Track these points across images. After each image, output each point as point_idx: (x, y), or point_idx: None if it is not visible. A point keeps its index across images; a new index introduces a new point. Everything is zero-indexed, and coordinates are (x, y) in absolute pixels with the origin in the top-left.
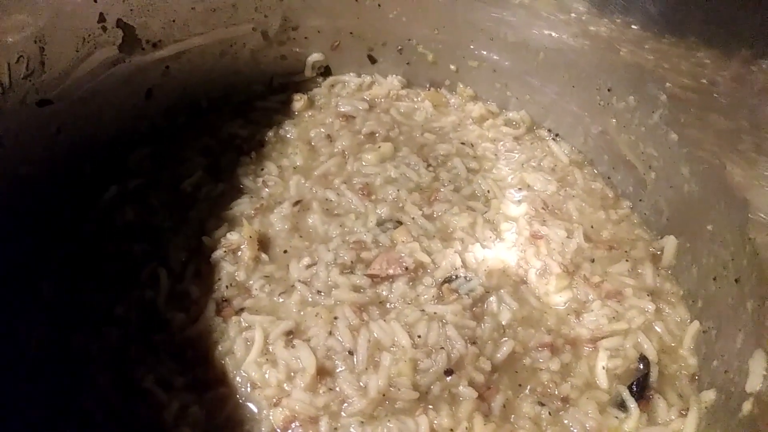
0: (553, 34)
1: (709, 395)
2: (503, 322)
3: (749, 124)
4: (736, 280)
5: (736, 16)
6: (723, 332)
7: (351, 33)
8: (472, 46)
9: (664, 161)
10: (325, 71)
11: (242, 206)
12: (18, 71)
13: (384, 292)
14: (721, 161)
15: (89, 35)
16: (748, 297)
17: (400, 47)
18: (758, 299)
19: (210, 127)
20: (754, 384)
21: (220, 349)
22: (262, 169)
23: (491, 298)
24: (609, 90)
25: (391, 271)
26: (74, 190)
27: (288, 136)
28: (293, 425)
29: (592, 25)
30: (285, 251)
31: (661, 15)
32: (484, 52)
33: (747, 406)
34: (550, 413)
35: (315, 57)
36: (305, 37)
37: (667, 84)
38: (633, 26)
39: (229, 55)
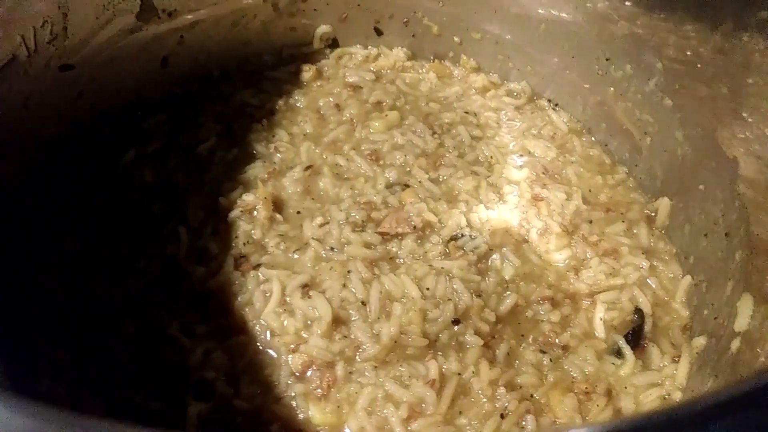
0: (553, 8)
1: (700, 341)
2: (506, 277)
3: (728, 92)
4: (726, 234)
5: None
6: (713, 284)
7: (358, 5)
8: (475, 19)
9: (659, 127)
10: (333, 43)
11: (256, 170)
12: (42, 36)
13: (394, 249)
14: (712, 123)
15: (109, 3)
16: (736, 248)
17: (405, 20)
18: (746, 249)
19: (222, 95)
20: (742, 323)
21: (239, 300)
22: (274, 136)
23: (495, 255)
24: (607, 59)
25: (400, 230)
26: (95, 152)
27: (297, 104)
28: (311, 369)
29: (589, 2)
30: (298, 212)
31: None
32: (487, 25)
33: (735, 344)
34: (551, 360)
35: (323, 29)
36: (314, 9)
37: (664, 58)
38: (626, 2)
39: (241, 26)
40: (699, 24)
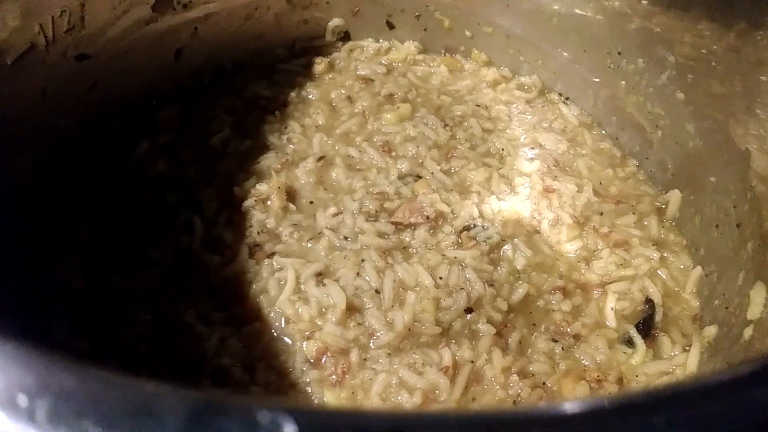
0: (566, 2)
1: (711, 330)
2: (518, 267)
3: (742, 89)
4: (737, 225)
5: None
6: (724, 274)
7: None
8: (487, 13)
9: (670, 119)
10: (345, 36)
11: (269, 160)
12: (60, 25)
13: (407, 238)
14: (725, 116)
15: None
16: (749, 238)
17: (417, 14)
18: (758, 239)
19: (235, 88)
20: (755, 312)
21: (254, 288)
22: (286, 128)
23: (506, 246)
24: (619, 53)
25: (413, 220)
26: (108, 143)
27: (310, 97)
28: (325, 356)
29: (605, 0)
30: (311, 202)
31: None
32: (499, 19)
33: (748, 332)
34: (563, 348)
35: (335, 22)
36: (327, 2)
37: (677, 53)
38: (642, 1)
39: (254, 18)
40: (713, 23)
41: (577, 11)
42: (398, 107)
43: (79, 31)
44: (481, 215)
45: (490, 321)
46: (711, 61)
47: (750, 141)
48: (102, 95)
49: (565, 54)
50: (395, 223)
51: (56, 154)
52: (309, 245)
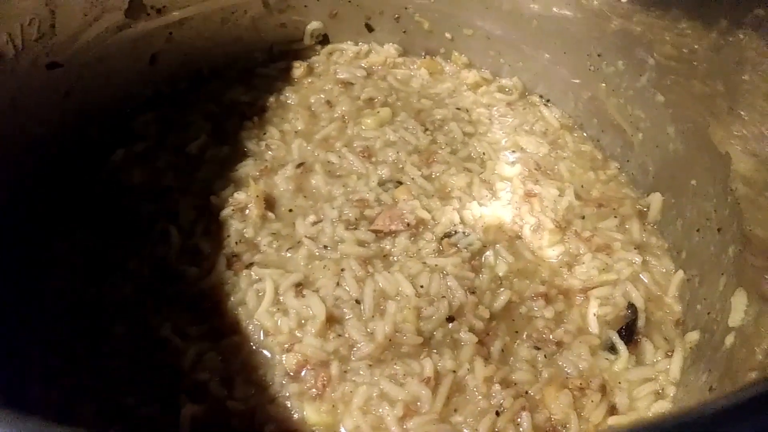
0: (546, 4)
1: (693, 336)
2: (500, 274)
3: (724, 90)
4: (718, 230)
5: None
6: (706, 278)
7: (349, 1)
8: (467, 15)
9: (651, 122)
10: (324, 39)
11: (247, 168)
12: (30, 33)
13: (387, 246)
14: (705, 119)
15: None
16: (729, 243)
17: (396, 16)
18: (739, 244)
19: (212, 93)
20: (736, 319)
21: (232, 300)
22: (265, 133)
23: (488, 252)
24: (599, 55)
25: (393, 227)
26: (83, 152)
27: (289, 102)
28: (305, 369)
29: None
30: (290, 210)
31: None
32: (479, 21)
33: (729, 339)
34: (545, 356)
35: (314, 25)
36: (304, 6)
37: (654, 53)
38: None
39: (231, 22)
40: (694, 22)
41: (557, 12)
42: (378, 111)
43: (49, 38)
44: (462, 221)
45: (472, 329)
46: (692, 61)
47: (731, 143)
48: (75, 103)
49: (546, 56)
50: (375, 231)
51: (29, 165)
52: (288, 255)
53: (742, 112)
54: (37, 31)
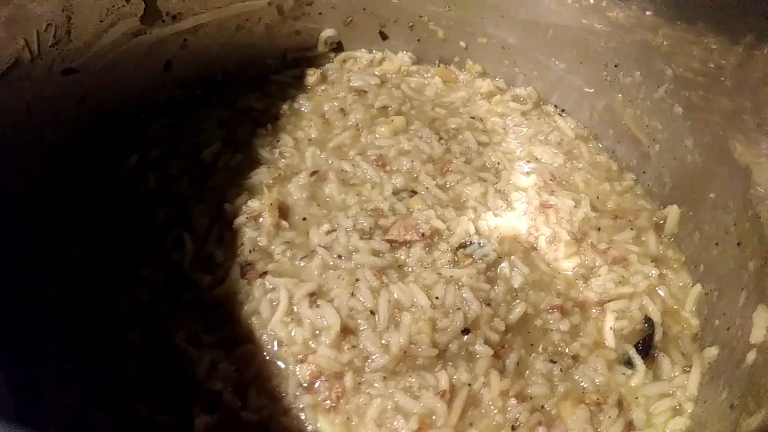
0: (562, 13)
1: (712, 351)
2: (515, 286)
3: (752, 106)
4: (738, 244)
5: (745, 3)
6: (725, 293)
7: (364, 9)
8: (481, 23)
9: (668, 134)
10: (338, 47)
11: (261, 175)
12: (46, 39)
13: (402, 257)
14: (725, 132)
15: (113, 6)
16: (749, 258)
17: (411, 24)
18: (760, 259)
19: (226, 99)
20: (757, 335)
21: (246, 309)
22: (278, 141)
23: (503, 263)
24: (616, 66)
25: (408, 237)
26: (97, 158)
27: (302, 109)
28: (319, 380)
29: (609, 12)
30: (304, 218)
31: (675, 1)
32: (494, 29)
33: (751, 356)
34: (561, 370)
35: (328, 33)
36: (319, 13)
37: (676, 66)
38: (647, 12)
39: (245, 29)
40: (720, 36)
41: (574, 23)
42: (392, 120)
43: (65, 44)
44: (478, 232)
45: (487, 342)
46: (718, 76)
47: (755, 159)
48: (90, 109)
49: (561, 65)
50: (390, 241)
51: (44, 170)
52: (302, 264)
53: None
54: (53, 37)
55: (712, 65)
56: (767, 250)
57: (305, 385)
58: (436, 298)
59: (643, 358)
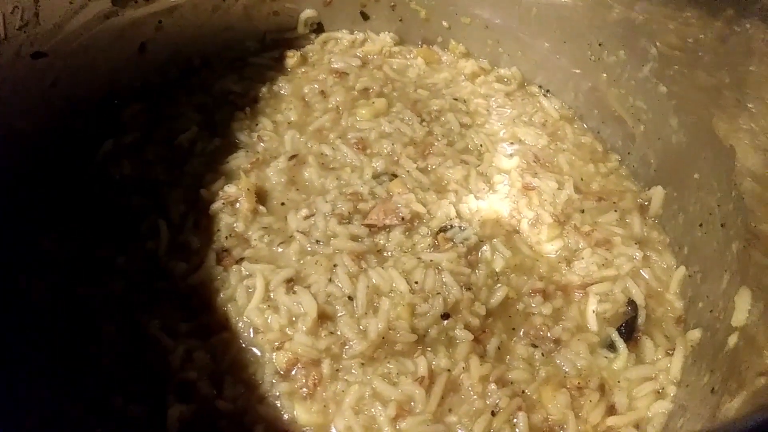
0: None
1: (695, 334)
2: (497, 270)
3: (731, 81)
4: (722, 225)
5: None
6: (708, 275)
7: None
8: (464, 3)
9: (653, 114)
10: (318, 28)
11: (238, 160)
12: (13, 22)
13: (381, 241)
14: (709, 111)
15: None
16: (733, 239)
17: (392, 4)
18: (743, 240)
19: (203, 83)
20: (739, 318)
21: (222, 296)
22: (257, 125)
23: (485, 247)
24: (600, 45)
25: (387, 221)
26: (70, 144)
27: (282, 92)
28: (296, 367)
29: None
30: (282, 203)
31: None
32: (477, 9)
33: (733, 339)
34: (543, 354)
35: (308, 13)
36: None
37: (657, 42)
38: None
39: (222, 10)
40: (699, 10)
41: (557, 0)
42: (373, 102)
43: (33, 27)
44: (459, 215)
45: (467, 327)
46: (697, 51)
47: (737, 137)
48: (62, 94)
49: (546, 45)
50: (369, 225)
51: (14, 157)
52: (279, 250)
53: (749, 105)
54: (21, 19)
55: (691, 40)
56: (751, 232)
57: (282, 372)
58: (416, 282)
59: (625, 341)
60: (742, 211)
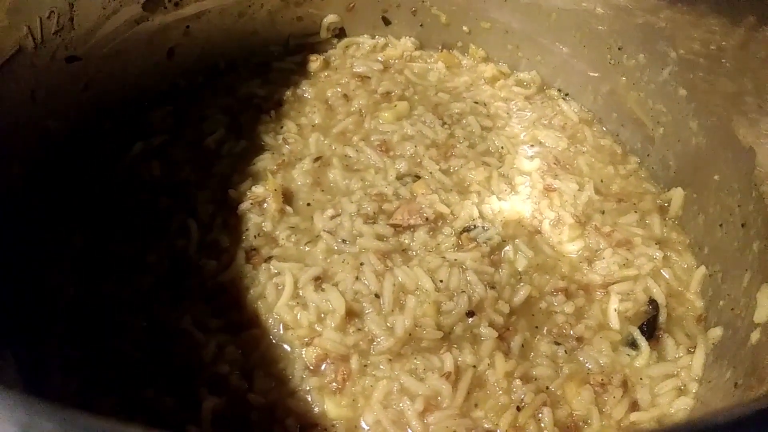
0: None
1: (716, 332)
2: (519, 269)
3: (753, 87)
4: (742, 225)
5: None
6: (729, 274)
7: None
8: (484, 8)
9: (672, 116)
10: (340, 33)
11: (264, 162)
12: (49, 27)
13: (406, 241)
14: (729, 114)
15: None
16: (754, 239)
17: (413, 9)
18: (764, 240)
19: (228, 87)
20: (762, 315)
21: (251, 293)
22: (282, 127)
23: (507, 247)
24: (620, 49)
25: (412, 221)
26: (101, 145)
27: (305, 95)
28: (325, 363)
29: None
30: (308, 204)
31: None
32: (497, 14)
33: (755, 336)
34: (566, 351)
35: (330, 18)
36: None
37: (679, 48)
38: None
39: (247, 15)
40: (721, 18)
41: (577, 6)
42: (395, 105)
43: (68, 32)
44: (481, 216)
45: (491, 324)
46: (720, 58)
47: (757, 139)
48: (93, 97)
49: (565, 49)
50: (394, 225)
51: (47, 157)
52: (307, 249)
53: None
54: (57, 24)
55: (713, 47)
56: None
57: (311, 367)
58: (441, 281)
59: (647, 339)
60: (762, 211)
